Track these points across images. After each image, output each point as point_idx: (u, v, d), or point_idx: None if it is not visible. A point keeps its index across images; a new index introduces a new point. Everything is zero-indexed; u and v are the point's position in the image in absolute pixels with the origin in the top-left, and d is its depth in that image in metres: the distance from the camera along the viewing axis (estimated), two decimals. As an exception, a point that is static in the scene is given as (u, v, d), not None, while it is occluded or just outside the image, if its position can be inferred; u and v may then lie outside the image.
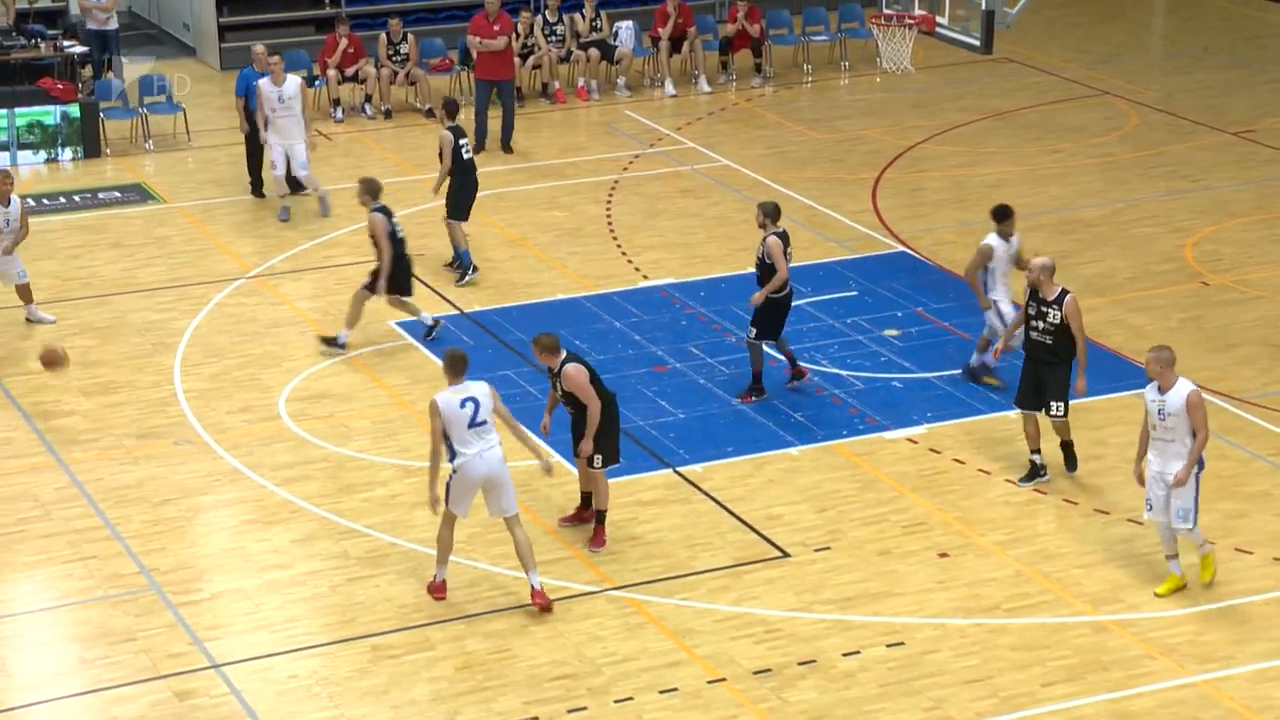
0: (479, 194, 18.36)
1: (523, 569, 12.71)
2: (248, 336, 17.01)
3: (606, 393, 13.29)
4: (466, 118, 22.13)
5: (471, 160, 18.20)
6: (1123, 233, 19.45)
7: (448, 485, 12.51)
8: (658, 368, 16.37)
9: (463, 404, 12.41)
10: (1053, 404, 14.16)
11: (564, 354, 13.18)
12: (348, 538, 13.70)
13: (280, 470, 14.57)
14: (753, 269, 15.76)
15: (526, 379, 16.10)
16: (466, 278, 18.01)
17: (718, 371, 16.25)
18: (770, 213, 15.43)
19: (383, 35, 23.23)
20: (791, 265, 15.36)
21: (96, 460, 14.84)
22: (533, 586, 12.68)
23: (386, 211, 16.38)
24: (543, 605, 12.64)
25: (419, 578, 13.09)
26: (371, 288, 16.41)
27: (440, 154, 17.97)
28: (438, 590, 12.85)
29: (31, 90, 21.63)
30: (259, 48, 20.09)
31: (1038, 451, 14.31)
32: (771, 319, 15.51)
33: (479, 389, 12.52)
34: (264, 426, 15.33)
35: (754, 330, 15.55)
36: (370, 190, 16.37)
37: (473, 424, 12.41)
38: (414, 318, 16.75)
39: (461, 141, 17.94)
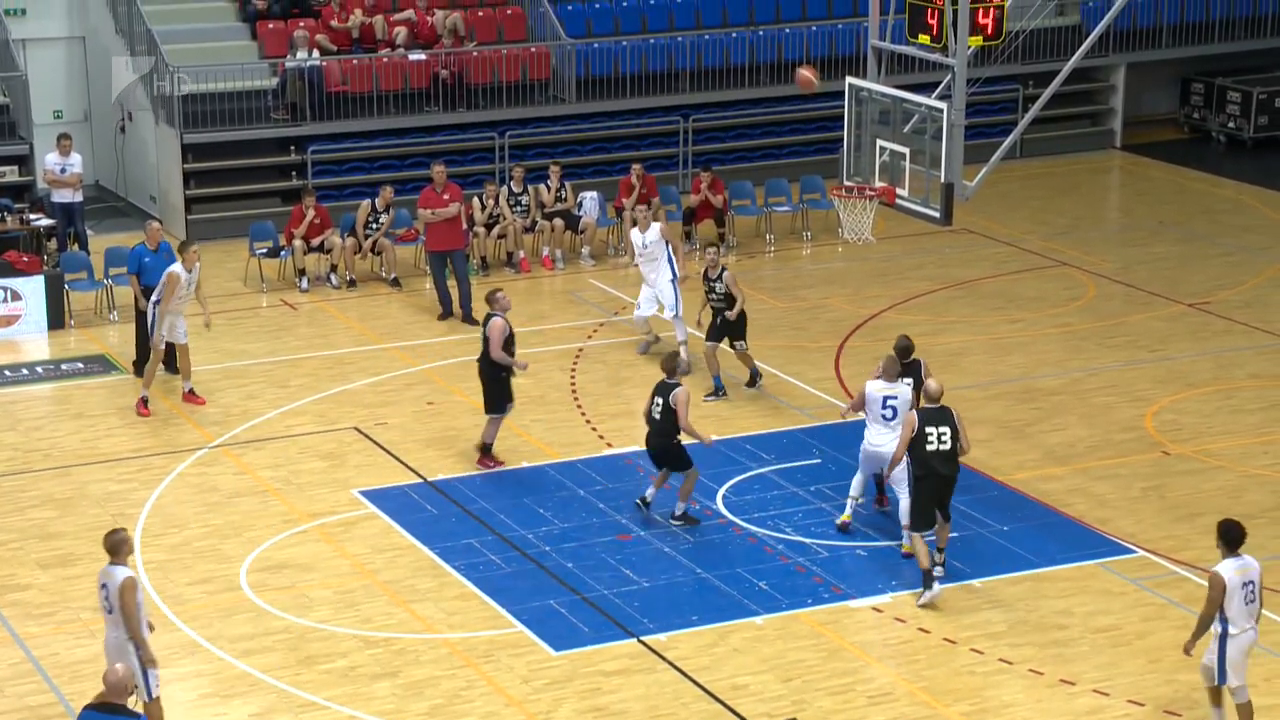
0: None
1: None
2: (209, 506, 16.90)
3: None
4: (424, 289, 22.28)
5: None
6: (1084, 401, 19.57)
7: None
8: (621, 536, 16.31)
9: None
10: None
11: None
12: (306, 711, 13.50)
13: (239, 642, 14.39)
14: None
15: (490, 548, 16.00)
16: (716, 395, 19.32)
17: (682, 540, 16.18)
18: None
19: (365, 203, 23.39)
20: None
21: (52, 635, 14.64)
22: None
23: None
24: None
25: (379, 751, 12.89)
26: None
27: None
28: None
29: (-4, 263, 21.71)
30: (154, 224, 20.43)
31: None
32: (501, 393, 17.45)
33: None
34: (224, 598, 15.17)
35: (487, 404, 17.54)
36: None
37: None
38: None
39: None
